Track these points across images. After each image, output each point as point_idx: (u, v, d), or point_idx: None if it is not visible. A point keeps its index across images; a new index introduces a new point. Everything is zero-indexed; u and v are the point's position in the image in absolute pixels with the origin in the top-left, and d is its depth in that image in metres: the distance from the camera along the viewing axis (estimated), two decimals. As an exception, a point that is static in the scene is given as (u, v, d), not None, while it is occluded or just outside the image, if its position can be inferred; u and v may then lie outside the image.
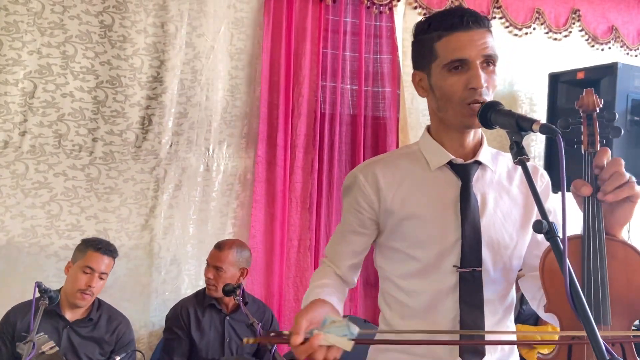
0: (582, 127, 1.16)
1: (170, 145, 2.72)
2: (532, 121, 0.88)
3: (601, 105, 1.15)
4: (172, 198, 2.72)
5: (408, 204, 1.13)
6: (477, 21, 1.06)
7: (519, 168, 1.14)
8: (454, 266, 1.10)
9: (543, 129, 0.85)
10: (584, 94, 1.17)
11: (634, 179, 1.03)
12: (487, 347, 1.09)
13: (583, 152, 1.12)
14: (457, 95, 1.06)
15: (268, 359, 1.73)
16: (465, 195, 1.11)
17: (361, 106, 3.26)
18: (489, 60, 1.06)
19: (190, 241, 2.76)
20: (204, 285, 2.64)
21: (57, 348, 1.76)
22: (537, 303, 1.15)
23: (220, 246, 2.43)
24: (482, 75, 1.04)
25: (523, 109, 3.67)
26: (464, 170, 1.13)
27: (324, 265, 1.25)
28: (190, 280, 2.76)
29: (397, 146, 3.29)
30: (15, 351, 1.97)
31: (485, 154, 1.15)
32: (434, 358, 1.10)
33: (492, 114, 0.98)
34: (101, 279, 2.17)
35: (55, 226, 2.46)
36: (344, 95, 3.27)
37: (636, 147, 3.19)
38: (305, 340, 0.89)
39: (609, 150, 1.07)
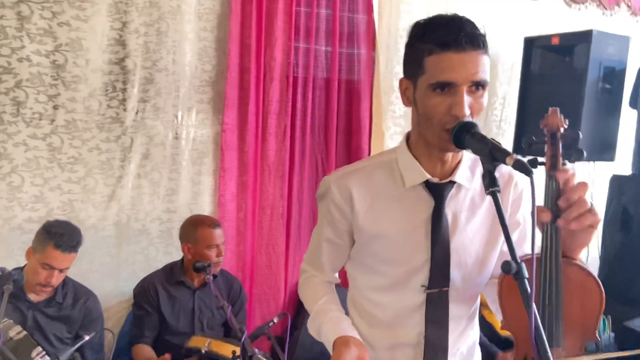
0: (545, 146, 1.14)
1: (137, 113, 2.61)
2: (506, 154, 0.85)
3: (566, 126, 1.13)
4: (140, 167, 2.64)
5: (379, 223, 1.12)
6: (472, 42, 0.98)
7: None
8: (422, 286, 1.11)
9: (516, 166, 0.82)
10: (549, 113, 1.14)
11: (594, 206, 1.02)
12: (448, 355, 1.13)
13: (545, 173, 1.11)
14: (438, 118, 1.01)
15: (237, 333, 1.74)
16: (437, 217, 1.10)
17: (335, 69, 3.18)
18: (478, 85, 1.01)
19: (159, 211, 2.72)
20: (175, 256, 2.64)
21: (24, 332, 1.73)
22: (495, 307, 1.17)
23: (217, 224, 2.45)
24: (468, 100, 0.99)
25: (496, 74, 3.64)
26: (438, 190, 1.11)
27: (308, 276, 1.26)
28: (162, 250, 2.74)
29: (371, 113, 3.25)
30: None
31: (462, 173, 1.12)
32: None
33: (466, 137, 0.95)
34: (62, 272, 2.07)
35: (18, 198, 2.38)
36: (317, 58, 3.17)
37: (606, 115, 3.23)
38: None
39: (575, 170, 1.06)
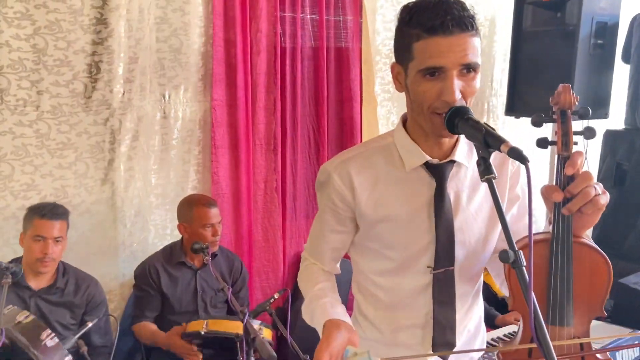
0: (555, 125, 1.11)
1: (123, 94, 2.56)
2: (501, 141, 0.83)
3: (577, 103, 1.10)
4: (131, 149, 2.62)
5: (382, 207, 1.11)
6: (459, 24, 0.96)
7: (493, 155, 1.12)
8: (428, 267, 1.11)
9: (512, 154, 0.80)
10: (559, 89, 1.10)
11: (600, 189, 1.00)
12: (456, 332, 1.14)
13: (557, 154, 1.09)
14: (429, 103, 1.00)
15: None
16: (440, 197, 1.09)
17: (323, 37, 3.12)
18: (469, 68, 0.98)
19: (153, 191, 2.71)
20: (172, 236, 2.65)
21: (32, 316, 1.75)
22: (500, 281, 1.18)
23: (211, 203, 2.44)
24: (459, 84, 0.97)
25: (482, 33, 3.58)
26: (439, 171, 1.10)
27: (308, 264, 1.25)
28: (157, 230, 2.74)
29: (361, 80, 3.21)
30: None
31: (461, 152, 1.11)
32: (405, 348, 1.14)
33: (459, 122, 0.94)
34: (57, 242, 2.09)
35: (9, 187, 2.36)
36: (304, 27, 3.10)
37: (599, 71, 3.20)
38: None
39: (583, 154, 1.04)
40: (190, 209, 2.41)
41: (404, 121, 1.14)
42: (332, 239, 1.20)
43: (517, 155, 0.80)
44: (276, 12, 2.93)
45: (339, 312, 1.07)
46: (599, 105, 3.28)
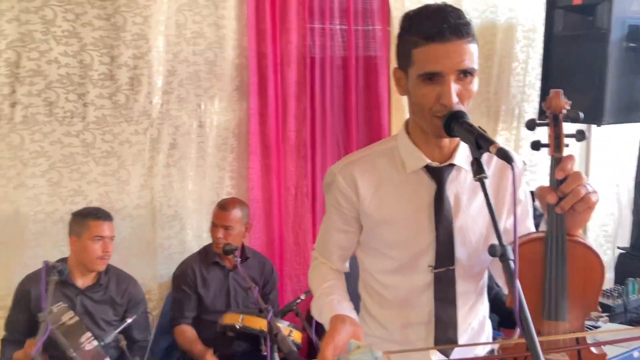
0: (548, 128, 1.17)
1: (162, 105, 2.72)
2: (490, 142, 0.89)
3: (568, 107, 1.16)
4: (169, 157, 2.77)
5: (384, 208, 1.18)
6: (455, 32, 1.02)
7: (494, 160, 1.18)
8: (429, 266, 1.17)
9: (499, 154, 0.87)
10: (551, 94, 1.17)
11: (592, 189, 1.05)
12: (459, 331, 1.19)
13: (550, 156, 1.15)
14: (428, 106, 1.06)
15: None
16: (439, 199, 1.15)
17: (351, 47, 3.21)
18: (466, 72, 1.05)
19: (190, 197, 2.85)
20: (208, 238, 2.77)
21: (77, 318, 1.87)
22: (502, 282, 1.23)
23: (224, 206, 2.54)
24: (456, 88, 1.03)
25: (515, 38, 3.58)
26: (438, 174, 1.15)
27: (317, 262, 1.32)
28: (194, 233, 2.88)
29: (389, 88, 3.27)
30: (34, 320, 2.12)
31: (461, 155, 1.16)
32: (410, 345, 1.20)
33: (454, 125, 1.00)
34: (111, 240, 2.30)
35: (58, 193, 2.54)
36: (333, 37, 3.20)
37: (631, 74, 3.16)
38: None
39: (574, 157, 1.09)
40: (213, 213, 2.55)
41: (407, 126, 1.20)
42: (339, 238, 1.26)
43: (503, 155, 0.86)
44: (306, 24, 3.04)
45: (345, 307, 1.13)
46: (632, 109, 3.24)
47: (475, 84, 1.07)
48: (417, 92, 1.07)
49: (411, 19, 1.08)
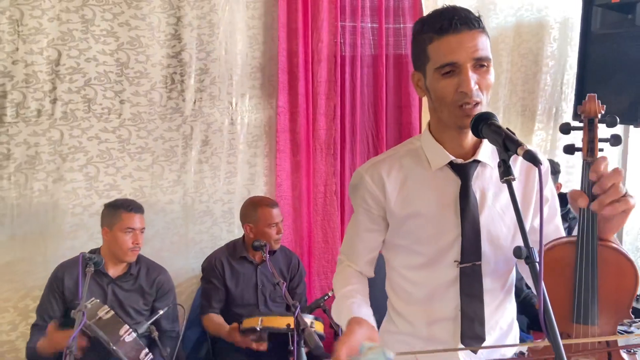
0: (582, 132, 1.15)
1: (194, 102, 2.78)
2: (517, 144, 0.90)
3: (603, 112, 1.14)
4: (201, 153, 2.83)
5: (410, 204, 1.19)
6: (466, 23, 1.07)
7: (519, 159, 1.17)
8: (455, 261, 1.17)
9: (527, 156, 0.87)
10: (586, 99, 1.15)
11: (630, 192, 1.04)
12: (486, 328, 1.18)
13: (582, 159, 1.13)
14: (449, 98, 1.09)
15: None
16: (465, 194, 1.16)
17: (382, 45, 3.20)
18: (481, 62, 1.08)
19: (221, 193, 2.90)
20: (238, 234, 2.82)
21: (112, 312, 1.93)
22: (531, 282, 1.21)
23: (274, 204, 2.61)
24: (474, 77, 1.06)
25: (552, 36, 3.50)
26: (463, 170, 1.17)
27: (342, 266, 1.33)
28: (225, 228, 2.93)
29: (420, 87, 3.25)
30: (67, 307, 2.19)
31: (484, 152, 1.18)
32: (438, 342, 1.20)
33: (483, 126, 1.00)
34: (142, 232, 2.35)
35: (95, 187, 2.63)
36: (364, 35, 3.20)
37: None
38: None
39: (607, 159, 1.08)
40: (255, 210, 2.57)
41: (429, 126, 1.22)
42: (367, 237, 1.28)
43: (531, 157, 0.86)
44: (337, 22, 3.05)
45: (364, 312, 1.14)
46: (673, 109, 3.12)
47: (492, 75, 1.09)
48: (437, 86, 1.10)
49: (423, 21, 1.14)
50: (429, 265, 1.20)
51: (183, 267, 2.83)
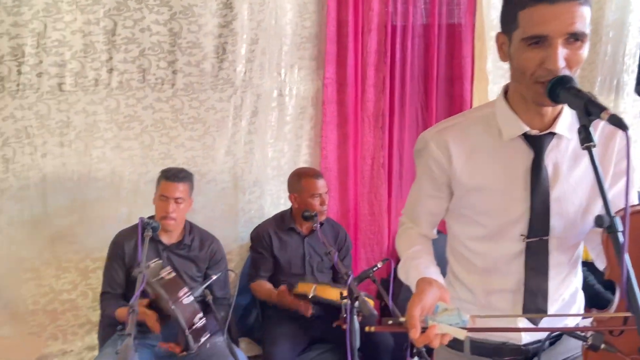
0: None
1: (245, 73, 2.80)
2: (601, 108, 0.85)
3: None
4: (250, 124, 2.85)
5: (477, 175, 1.15)
6: None
7: (598, 128, 1.12)
8: (521, 235, 1.14)
9: (612, 120, 0.82)
10: None
11: None
12: (549, 302, 1.16)
13: None
14: (530, 71, 1.01)
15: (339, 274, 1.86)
16: (537, 168, 1.11)
17: (434, 14, 3.11)
18: (576, 37, 0.98)
19: (270, 164, 2.94)
20: (285, 204, 2.85)
21: (174, 274, 1.99)
22: (595, 254, 1.17)
23: (318, 175, 2.61)
24: (563, 52, 0.98)
25: (613, 4, 3.31)
26: (537, 142, 1.11)
27: (404, 228, 1.32)
28: (272, 199, 2.97)
29: (473, 58, 3.16)
30: (129, 273, 2.28)
31: (563, 124, 1.11)
32: (496, 311, 1.18)
33: (561, 91, 0.95)
34: (178, 203, 2.30)
35: (150, 155, 2.70)
36: (416, 4, 3.12)
37: None
38: (422, 329, 0.95)
39: None
40: (300, 181, 2.60)
41: (506, 92, 1.15)
42: (429, 203, 1.25)
43: (617, 122, 0.82)
44: (388, -10, 2.97)
45: (432, 271, 1.13)
46: None
47: (585, 50, 1.00)
48: (520, 56, 1.02)
49: None
50: (492, 237, 1.17)
51: (232, 235, 2.90)
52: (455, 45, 3.18)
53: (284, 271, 2.58)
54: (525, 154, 1.12)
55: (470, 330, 0.96)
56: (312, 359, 2.43)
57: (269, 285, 2.56)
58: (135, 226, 2.34)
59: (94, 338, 2.59)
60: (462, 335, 0.95)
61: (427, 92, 3.19)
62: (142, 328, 2.09)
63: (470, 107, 3.21)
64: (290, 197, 2.66)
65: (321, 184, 2.59)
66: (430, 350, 1.59)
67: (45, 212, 2.53)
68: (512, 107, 1.12)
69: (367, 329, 1.02)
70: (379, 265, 2.07)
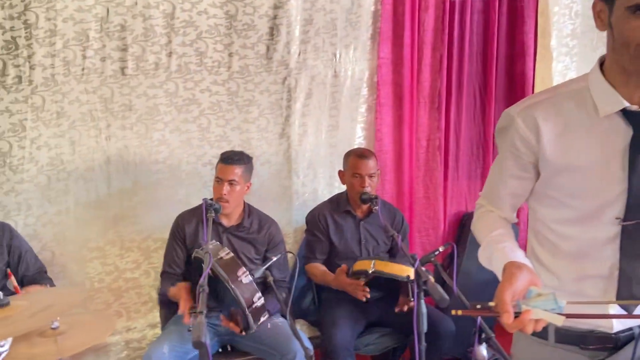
0: None
1: (299, 55, 2.77)
2: None
3: None
4: (304, 106, 2.84)
5: (568, 154, 1.09)
6: None
7: None
8: (617, 218, 1.07)
9: None
10: None
11: None
12: None
13: None
14: (636, 42, 0.94)
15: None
16: (637, 146, 1.03)
17: (495, -11, 2.99)
18: None
19: (323, 146, 2.92)
20: (339, 187, 2.84)
21: (232, 254, 2.02)
22: None
23: (364, 155, 2.54)
24: None
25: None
26: (637, 119, 1.03)
27: (483, 211, 1.27)
28: (326, 182, 2.96)
29: (536, 35, 3.02)
30: (189, 253, 2.33)
31: None
32: (586, 298, 1.12)
33: None
34: (232, 185, 2.30)
35: (207, 138, 2.73)
36: (475, -21, 3.00)
37: None
38: (515, 314, 0.92)
39: None
40: (347, 158, 2.59)
41: (601, 63, 1.08)
42: (512, 184, 1.19)
43: None
44: (447, -34, 2.87)
45: (519, 255, 1.08)
46: None
47: None
48: (624, 25, 0.95)
49: None
50: (584, 220, 1.11)
51: (287, 217, 2.91)
52: (517, 21, 3.05)
53: (340, 255, 2.57)
54: (624, 131, 1.05)
55: (568, 316, 0.91)
56: (371, 342, 2.42)
57: (323, 268, 2.57)
58: (196, 208, 2.39)
59: (155, 316, 2.67)
60: (559, 321, 0.91)
61: (486, 72, 3.08)
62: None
63: (533, 86, 3.08)
64: (338, 173, 2.66)
65: (364, 164, 2.50)
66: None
67: (109, 193, 2.60)
68: (610, 80, 1.05)
69: (453, 312, 0.98)
70: (441, 249, 2.04)
